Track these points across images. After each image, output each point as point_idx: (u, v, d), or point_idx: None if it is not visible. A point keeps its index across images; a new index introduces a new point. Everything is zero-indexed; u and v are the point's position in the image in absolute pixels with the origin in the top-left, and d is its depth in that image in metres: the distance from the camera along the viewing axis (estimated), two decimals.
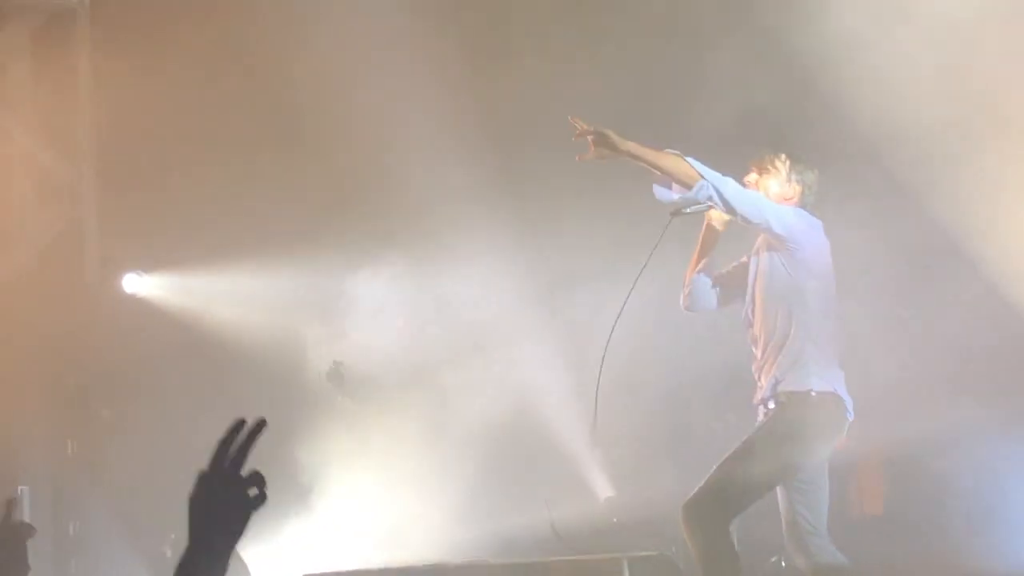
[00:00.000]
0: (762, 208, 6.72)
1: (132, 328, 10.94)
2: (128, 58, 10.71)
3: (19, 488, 10.36)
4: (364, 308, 10.51)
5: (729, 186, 6.61)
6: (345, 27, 10.18)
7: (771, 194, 6.92)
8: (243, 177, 10.93)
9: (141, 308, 11.03)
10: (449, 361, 10.38)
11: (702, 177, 6.51)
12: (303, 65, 10.22)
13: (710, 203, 6.73)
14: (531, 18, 10.40)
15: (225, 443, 2.80)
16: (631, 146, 6.61)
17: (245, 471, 2.77)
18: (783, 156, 6.96)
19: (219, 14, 10.58)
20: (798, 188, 6.94)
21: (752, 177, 6.95)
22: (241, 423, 2.81)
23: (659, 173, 6.69)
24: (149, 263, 11.04)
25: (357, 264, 10.59)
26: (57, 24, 10.99)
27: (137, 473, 10.77)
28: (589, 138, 6.61)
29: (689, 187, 6.54)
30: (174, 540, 10.24)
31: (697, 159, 6.63)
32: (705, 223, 7.12)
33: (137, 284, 11.05)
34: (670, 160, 6.59)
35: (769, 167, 6.96)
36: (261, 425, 2.80)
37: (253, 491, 2.75)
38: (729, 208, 6.61)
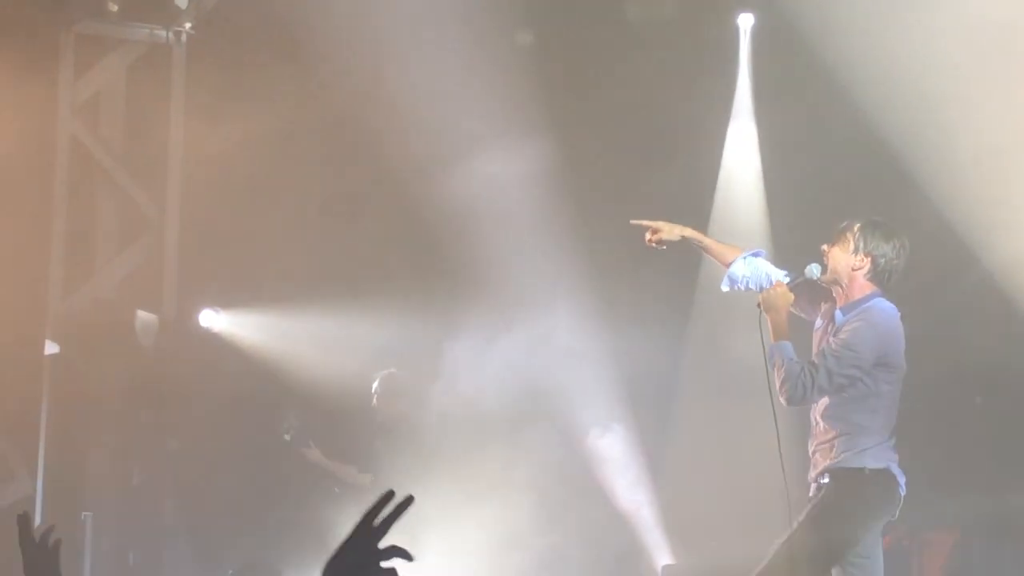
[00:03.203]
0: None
1: (206, 363, 11.01)
2: (218, 96, 10.85)
3: (83, 514, 10.45)
4: (437, 361, 10.52)
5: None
6: (439, 80, 10.27)
7: (839, 265, 6.86)
8: (323, 220, 11.03)
9: (216, 343, 11.10)
10: (516, 424, 10.38)
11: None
12: (391, 112, 10.30)
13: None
14: (619, 83, 10.47)
15: (371, 514, 2.81)
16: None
17: (384, 544, 2.79)
18: (856, 226, 6.86)
19: (311, 59, 10.71)
20: (867, 259, 6.82)
21: (825, 248, 6.92)
22: (390, 495, 2.83)
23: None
24: (226, 299, 11.12)
25: (434, 316, 10.62)
26: (153, 59, 11.12)
27: (199, 507, 10.83)
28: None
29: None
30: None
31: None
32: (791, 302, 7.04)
33: (213, 320, 11.12)
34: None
35: (840, 237, 6.89)
36: (408, 501, 2.81)
37: (390, 564, 2.78)
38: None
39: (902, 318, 7.02)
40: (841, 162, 9.96)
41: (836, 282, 6.91)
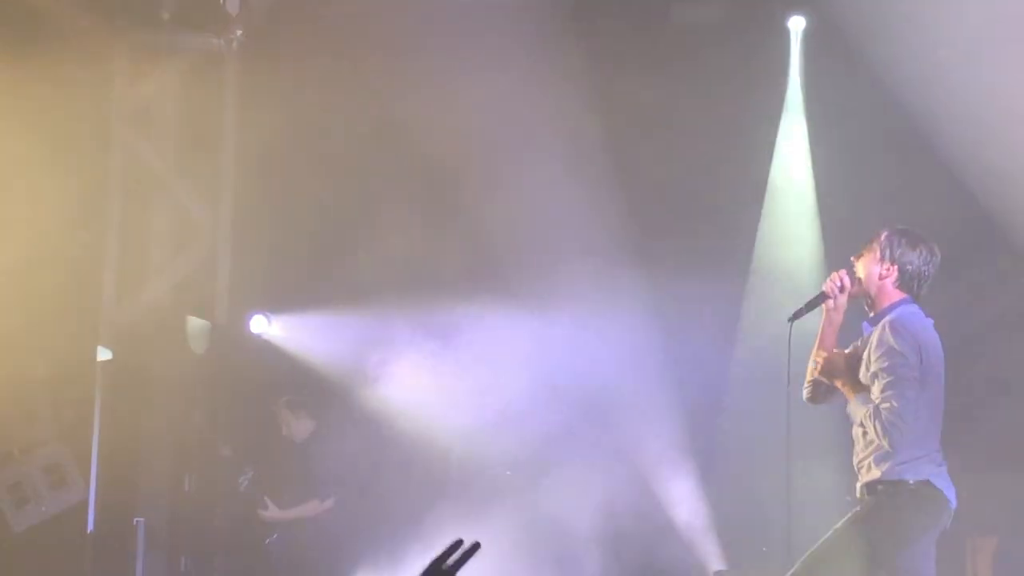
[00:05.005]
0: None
1: (257, 369, 11.06)
2: (270, 103, 10.89)
3: (135, 519, 10.51)
4: (485, 370, 10.53)
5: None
6: (488, 85, 10.26)
7: (869, 275, 6.81)
8: (375, 225, 11.04)
9: (267, 349, 11.14)
10: (555, 425, 10.37)
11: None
12: (444, 118, 10.31)
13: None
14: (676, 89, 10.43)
15: (439, 560, 2.89)
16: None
17: None
18: (883, 234, 6.83)
19: (363, 65, 10.73)
20: (893, 268, 6.78)
21: (853, 258, 6.90)
22: (458, 543, 2.91)
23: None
24: (277, 305, 11.16)
25: (483, 322, 10.61)
26: (205, 67, 11.17)
27: (251, 514, 10.85)
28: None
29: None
30: None
31: None
32: (824, 315, 7.00)
33: (264, 325, 11.16)
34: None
35: (868, 246, 6.85)
36: (475, 548, 2.91)
37: None
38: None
39: (951, 323, 6.95)
40: (892, 165, 9.88)
41: (866, 292, 6.87)
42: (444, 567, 2.87)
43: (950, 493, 6.70)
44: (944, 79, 9.00)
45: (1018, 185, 8.97)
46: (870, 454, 6.71)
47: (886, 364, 6.58)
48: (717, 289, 9.96)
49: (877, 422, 6.54)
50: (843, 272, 6.93)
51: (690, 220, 10.60)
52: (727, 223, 10.48)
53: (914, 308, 6.79)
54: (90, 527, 10.59)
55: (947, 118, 9.08)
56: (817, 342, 7.00)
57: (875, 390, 6.61)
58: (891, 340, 6.62)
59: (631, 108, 10.47)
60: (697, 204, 10.61)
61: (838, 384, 6.80)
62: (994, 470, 9.26)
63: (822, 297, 6.92)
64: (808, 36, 10.40)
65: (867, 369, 6.69)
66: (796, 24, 10.44)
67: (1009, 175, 8.94)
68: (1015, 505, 9.28)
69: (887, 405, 6.52)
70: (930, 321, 6.81)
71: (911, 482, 6.64)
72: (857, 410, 6.71)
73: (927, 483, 6.65)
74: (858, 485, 6.83)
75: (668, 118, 10.39)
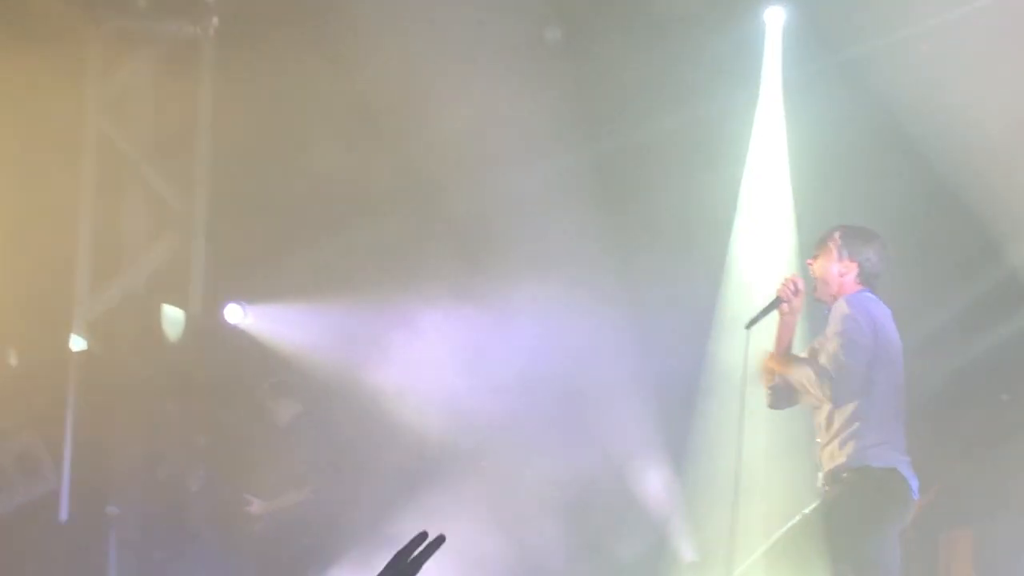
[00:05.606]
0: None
1: (232, 359, 11.04)
2: (247, 91, 10.87)
3: (108, 508, 10.50)
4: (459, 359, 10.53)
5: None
6: (466, 76, 10.25)
7: (827, 274, 6.87)
8: (352, 215, 11.03)
9: (242, 339, 11.12)
10: (532, 415, 10.37)
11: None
12: (421, 106, 10.29)
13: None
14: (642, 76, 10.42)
15: (403, 553, 2.87)
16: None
17: None
18: (836, 233, 6.91)
19: (341, 54, 10.70)
20: (852, 264, 6.88)
21: (809, 261, 6.96)
22: (422, 536, 2.89)
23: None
24: (253, 295, 11.14)
25: (460, 311, 10.61)
26: (181, 54, 11.15)
27: (225, 502, 10.85)
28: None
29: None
30: None
31: None
32: (779, 319, 7.01)
33: (239, 315, 11.14)
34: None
35: (822, 247, 6.92)
36: (440, 541, 2.88)
37: None
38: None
39: (926, 316, 7.02)
40: (872, 163, 9.88)
41: (827, 292, 6.94)
42: (408, 560, 2.84)
43: (914, 484, 6.74)
44: (927, 73, 8.98)
45: (1002, 184, 8.97)
46: (832, 439, 6.75)
47: (839, 328, 6.70)
48: (691, 284, 9.97)
49: (823, 376, 6.60)
50: (796, 276, 7.01)
51: (663, 216, 10.57)
52: (701, 220, 10.47)
53: (871, 295, 6.88)
54: (62, 516, 10.58)
55: (930, 114, 9.06)
56: (775, 346, 7.03)
57: (828, 351, 6.70)
58: (845, 309, 6.74)
59: (605, 99, 10.46)
60: (672, 200, 10.59)
61: (795, 377, 6.80)
62: (965, 461, 9.28)
63: (777, 302, 6.96)
64: (787, 29, 10.35)
65: (827, 344, 6.77)
66: (773, 16, 10.36)
67: (993, 174, 8.94)
68: (988, 496, 9.30)
69: (835, 361, 6.59)
70: (888, 309, 6.88)
71: (876, 468, 6.68)
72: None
73: (894, 471, 6.70)
74: (820, 475, 6.85)
75: (645, 110, 10.38)
